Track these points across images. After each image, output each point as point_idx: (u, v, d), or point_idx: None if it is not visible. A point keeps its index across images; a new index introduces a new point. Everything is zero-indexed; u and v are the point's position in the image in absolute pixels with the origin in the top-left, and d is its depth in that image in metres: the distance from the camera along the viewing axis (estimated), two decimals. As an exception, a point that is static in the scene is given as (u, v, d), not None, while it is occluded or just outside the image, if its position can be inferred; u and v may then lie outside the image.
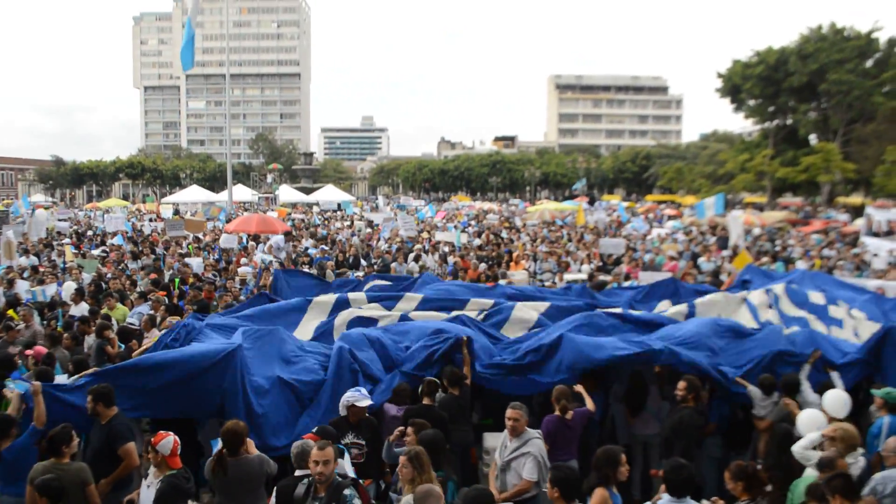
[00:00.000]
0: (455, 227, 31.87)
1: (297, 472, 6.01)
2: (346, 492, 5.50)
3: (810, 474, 6.45)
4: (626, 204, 61.45)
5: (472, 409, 8.98)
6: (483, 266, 19.83)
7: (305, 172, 74.84)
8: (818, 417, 7.48)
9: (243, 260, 21.33)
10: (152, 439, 6.07)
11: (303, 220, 38.72)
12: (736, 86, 63.45)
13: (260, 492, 6.30)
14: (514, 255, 22.70)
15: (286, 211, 44.01)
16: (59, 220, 34.65)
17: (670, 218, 42.57)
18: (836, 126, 57.89)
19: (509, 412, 7.06)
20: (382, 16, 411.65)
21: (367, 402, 7.33)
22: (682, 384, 7.92)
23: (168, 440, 5.96)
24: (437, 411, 7.60)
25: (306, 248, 24.66)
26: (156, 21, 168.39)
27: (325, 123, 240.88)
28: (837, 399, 7.72)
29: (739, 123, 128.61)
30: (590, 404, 7.97)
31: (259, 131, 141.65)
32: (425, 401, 7.86)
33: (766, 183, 59.42)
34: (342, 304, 10.65)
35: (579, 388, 8.11)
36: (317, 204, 47.98)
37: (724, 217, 34.68)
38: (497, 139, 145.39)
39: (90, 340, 10.83)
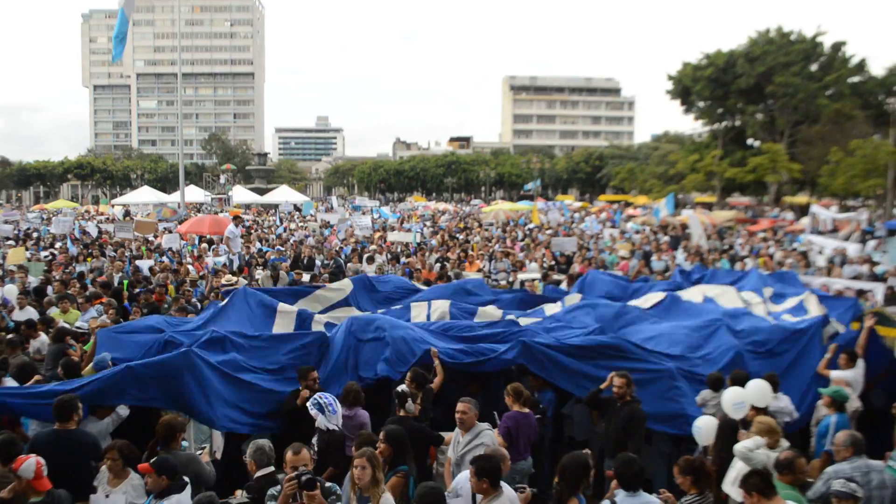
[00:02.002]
0: (409, 228, 31.84)
1: (260, 473, 5.99)
2: (328, 485, 5.50)
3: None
4: (578, 204, 62.19)
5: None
6: (438, 266, 19.86)
7: (259, 173, 73.95)
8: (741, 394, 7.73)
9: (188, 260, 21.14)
10: (13, 465, 5.65)
11: (255, 222, 38.29)
12: (686, 88, 64.39)
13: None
14: (470, 255, 22.79)
15: (239, 212, 43.48)
16: (4, 222, 33.69)
17: (629, 218, 43.12)
18: (782, 127, 59.16)
19: (458, 406, 7.11)
20: (337, 16, 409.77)
21: (320, 422, 7.10)
22: (618, 381, 7.89)
23: (29, 463, 5.55)
24: (411, 423, 7.48)
25: (260, 250, 24.45)
26: (105, 19, 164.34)
27: (279, 123, 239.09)
28: (760, 388, 7.90)
29: (689, 125, 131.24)
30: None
31: (212, 131, 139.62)
32: (401, 413, 7.75)
33: (716, 183, 60.54)
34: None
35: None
36: (275, 206, 47.57)
37: (676, 216, 35.33)
38: (452, 140, 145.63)
39: (36, 344, 10.60)
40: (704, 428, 7.73)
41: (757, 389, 7.87)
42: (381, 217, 42.26)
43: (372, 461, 5.62)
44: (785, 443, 6.92)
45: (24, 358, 9.92)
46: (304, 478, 5.18)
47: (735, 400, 7.69)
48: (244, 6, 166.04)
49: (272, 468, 6.08)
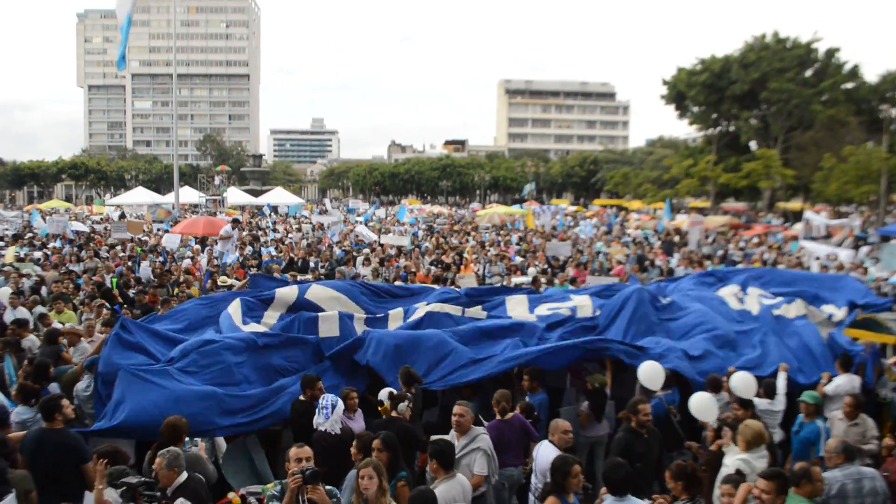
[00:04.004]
0: (404, 231, 31.86)
1: (181, 479, 5.91)
2: (327, 487, 5.52)
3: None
4: (572, 208, 62.26)
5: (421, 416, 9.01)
6: (433, 269, 19.88)
7: (254, 175, 73.56)
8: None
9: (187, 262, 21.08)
10: None
11: (249, 223, 38.25)
12: (681, 93, 64.54)
13: None
14: (465, 258, 22.79)
15: (234, 213, 43.48)
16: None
17: (623, 222, 43.32)
18: (776, 133, 59.29)
19: (455, 409, 7.11)
20: (333, 18, 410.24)
21: (320, 423, 7.17)
22: (646, 407, 7.63)
23: None
24: (401, 424, 7.48)
25: (255, 251, 24.43)
26: (101, 18, 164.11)
27: (274, 125, 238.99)
28: (703, 403, 7.83)
29: (684, 129, 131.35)
30: None
31: (207, 132, 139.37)
32: (393, 413, 7.72)
33: (710, 188, 60.69)
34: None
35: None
36: (274, 209, 47.56)
37: (672, 221, 35.44)
38: (447, 143, 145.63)
39: (25, 343, 10.51)
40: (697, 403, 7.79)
41: (701, 404, 7.84)
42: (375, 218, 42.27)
43: (378, 470, 5.61)
44: (764, 448, 6.90)
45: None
46: (307, 472, 5.20)
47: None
48: (240, 7, 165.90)
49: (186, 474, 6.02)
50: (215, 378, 8.23)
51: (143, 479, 5.31)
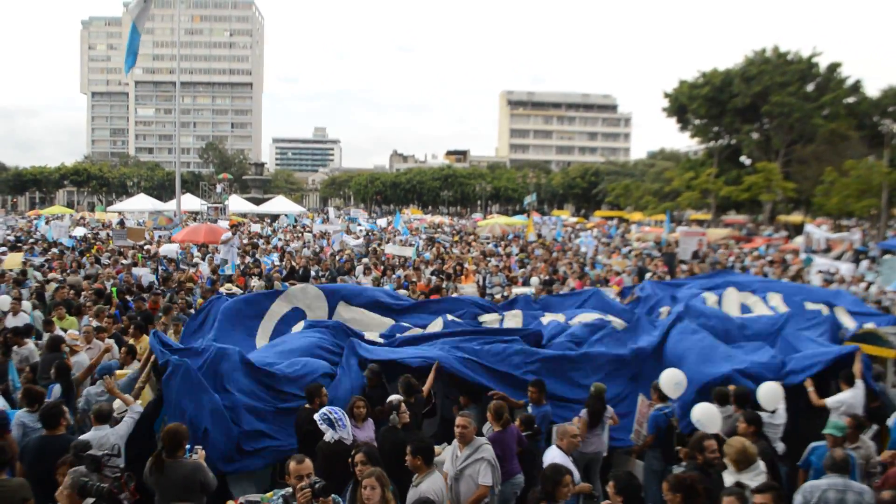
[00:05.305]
0: (406, 241, 31.89)
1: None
2: (333, 496, 5.43)
3: None
4: (573, 220, 62.30)
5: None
6: (434, 279, 19.89)
7: (256, 183, 73.68)
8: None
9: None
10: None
11: (258, 232, 38.35)
12: (682, 105, 64.74)
13: (194, 498, 6.20)
14: (465, 268, 22.80)
15: (236, 220, 43.54)
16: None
17: (625, 233, 43.31)
18: (777, 147, 59.44)
19: (458, 420, 7.07)
20: (336, 27, 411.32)
21: (329, 436, 7.05)
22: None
23: None
24: (399, 434, 7.44)
25: (255, 260, 24.45)
26: (105, 26, 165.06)
27: (276, 134, 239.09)
28: (709, 413, 7.71)
29: (685, 142, 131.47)
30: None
31: (209, 140, 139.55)
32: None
33: (711, 200, 60.77)
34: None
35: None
36: (275, 217, 47.72)
37: (672, 233, 35.45)
38: (449, 153, 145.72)
39: (24, 353, 10.46)
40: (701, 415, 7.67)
41: (706, 414, 7.68)
42: (374, 229, 42.30)
43: (381, 480, 5.55)
44: (761, 464, 6.77)
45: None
46: (317, 485, 5.16)
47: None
48: (244, 16, 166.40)
49: None
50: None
51: (106, 451, 5.27)
